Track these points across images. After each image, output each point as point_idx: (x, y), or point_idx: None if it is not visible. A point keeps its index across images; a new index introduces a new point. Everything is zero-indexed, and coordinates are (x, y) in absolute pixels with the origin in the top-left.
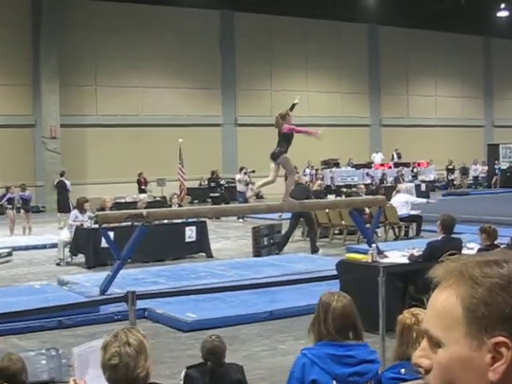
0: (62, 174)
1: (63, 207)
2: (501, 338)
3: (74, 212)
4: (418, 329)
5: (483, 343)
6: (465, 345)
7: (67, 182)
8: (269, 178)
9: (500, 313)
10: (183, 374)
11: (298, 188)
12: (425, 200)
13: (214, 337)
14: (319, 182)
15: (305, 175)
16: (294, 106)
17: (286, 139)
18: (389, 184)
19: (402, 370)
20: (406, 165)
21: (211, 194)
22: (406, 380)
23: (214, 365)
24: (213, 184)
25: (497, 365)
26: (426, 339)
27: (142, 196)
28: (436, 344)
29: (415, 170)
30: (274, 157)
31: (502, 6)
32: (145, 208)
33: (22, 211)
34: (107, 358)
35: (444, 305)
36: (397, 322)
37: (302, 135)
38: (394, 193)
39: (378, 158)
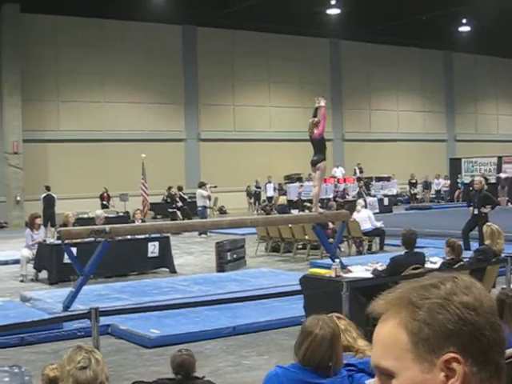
0: (48, 188)
1: (52, 221)
2: (450, 355)
3: (28, 232)
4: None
5: (434, 364)
6: (416, 369)
7: (55, 196)
8: (315, 190)
9: (443, 330)
10: None
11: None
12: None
13: (183, 350)
14: (284, 197)
15: (265, 190)
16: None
17: (320, 145)
18: (351, 198)
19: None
20: (370, 179)
21: (169, 210)
22: (353, 365)
23: (183, 378)
24: (169, 200)
25: (451, 381)
26: (377, 376)
27: (99, 212)
28: (388, 376)
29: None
30: (314, 163)
31: (464, 21)
32: (105, 224)
33: None
34: (76, 362)
35: (389, 335)
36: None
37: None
38: (358, 207)
39: (338, 172)
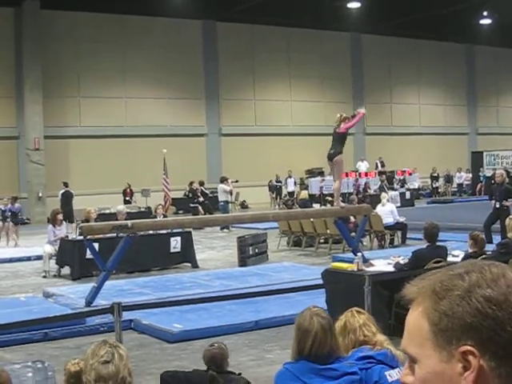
0: (66, 185)
1: (70, 218)
2: (466, 347)
3: (50, 228)
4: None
5: (452, 354)
6: (436, 357)
7: (73, 192)
8: (336, 184)
9: (462, 323)
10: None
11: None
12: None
13: (215, 344)
14: (305, 191)
15: (285, 185)
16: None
17: (340, 140)
18: (373, 192)
19: (361, 354)
20: (392, 173)
21: (191, 205)
22: (372, 356)
23: (215, 372)
24: (191, 195)
25: (467, 373)
26: (407, 361)
27: (121, 207)
28: (413, 361)
29: (397, 178)
30: (331, 157)
31: (485, 13)
32: (126, 219)
33: (10, 223)
34: (99, 356)
35: (414, 322)
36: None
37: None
38: (383, 200)
39: (363, 166)
